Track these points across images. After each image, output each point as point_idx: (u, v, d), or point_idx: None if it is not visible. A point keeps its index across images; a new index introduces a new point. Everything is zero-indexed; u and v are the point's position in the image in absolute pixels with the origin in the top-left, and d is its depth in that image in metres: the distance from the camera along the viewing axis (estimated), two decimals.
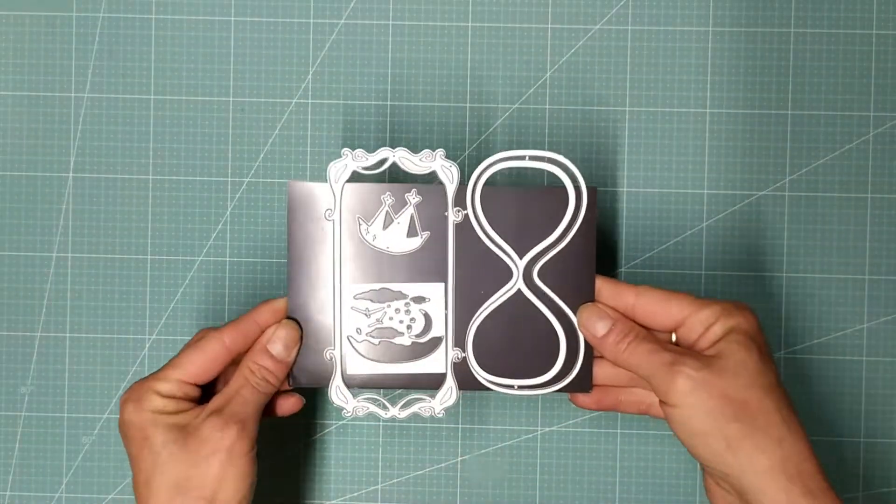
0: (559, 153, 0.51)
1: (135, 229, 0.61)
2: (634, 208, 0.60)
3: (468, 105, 0.61)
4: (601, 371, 0.52)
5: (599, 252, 0.53)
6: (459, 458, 0.61)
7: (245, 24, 0.61)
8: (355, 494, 0.61)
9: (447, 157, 0.50)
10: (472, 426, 0.61)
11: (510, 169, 0.51)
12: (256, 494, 0.51)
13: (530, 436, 0.61)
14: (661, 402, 0.48)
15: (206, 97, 0.61)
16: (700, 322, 0.48)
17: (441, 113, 0.61)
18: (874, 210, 0.60)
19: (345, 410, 0.52)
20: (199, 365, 0.50)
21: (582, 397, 0.52)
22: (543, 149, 0.60)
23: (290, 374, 0.51)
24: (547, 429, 0.61)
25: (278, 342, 0.50)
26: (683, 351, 0.47)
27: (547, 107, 0.60)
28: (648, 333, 0.49)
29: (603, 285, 0.51)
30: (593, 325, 0.49)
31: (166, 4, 0.61)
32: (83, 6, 0.61)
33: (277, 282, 0.61)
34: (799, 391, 0.60)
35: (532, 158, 0.50)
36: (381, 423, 0.60)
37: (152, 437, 0.48)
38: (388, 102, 0.61)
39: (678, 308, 0.48)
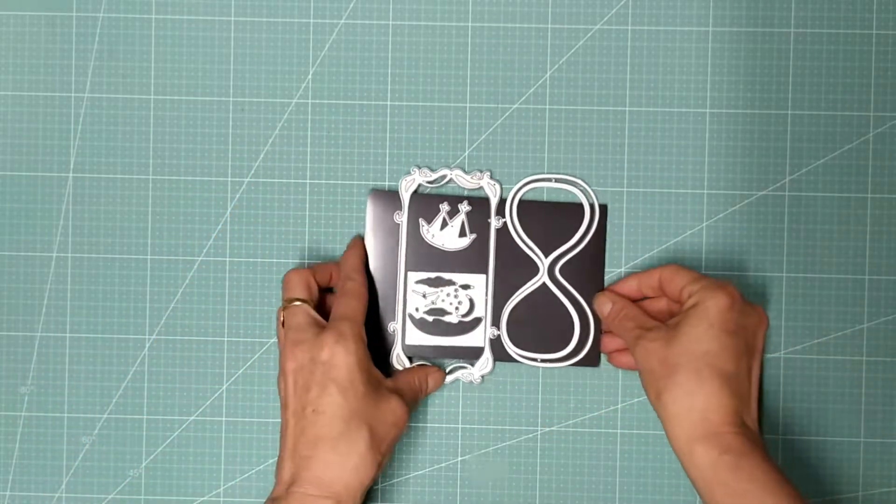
0: (574, 175, 0.61)
1: (135, 229, 0.61)
2: (634, 208, 0.60)
3: (468, 105, 0.61)
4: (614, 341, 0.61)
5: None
6: (459, 458, 0.61)
7: (245, 24, 0.61)
8: None
9: (492, 177, 0.61)
10: (472, 426, 0.61)
11: (540, 188, 0.61)
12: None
13: (530, 436, 0.61)
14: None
15: (207, 97, 0.61)
16: (686, 293, 0.56)
17: (441, 113, 0.61)
18: (874, 210, 0.60)
19: None
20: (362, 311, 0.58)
21: (618, 357, 0.60)
22: (543, 150, 0.60)
23: None
24: (547, 429, 0.61)
25: (434, 380, 0.60)
26: (654, 325, 0.57)
27: (547, 107, 0.60)
28: (638, 313, 0.58)
29: (636, 276, 0.60)
30: (601, 305, 0.60)
31: (166, 4, 0.61)
32: (83, 6, 0.61)
33: (278, 282, 0.61)
34: (799, 391, 0.60)
35: (557, 180, 0.61)
36: None
37: (355, 385, 0.54)
38: (388, 102, 0.61)
39: (681, 280, 0.57)
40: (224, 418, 0.61)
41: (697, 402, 0.52)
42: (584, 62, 0.60)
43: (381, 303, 0.61)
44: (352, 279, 0.58)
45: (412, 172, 0.61)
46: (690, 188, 0.60)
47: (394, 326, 0.61)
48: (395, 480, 0.61)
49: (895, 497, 0.60)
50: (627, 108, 0.60)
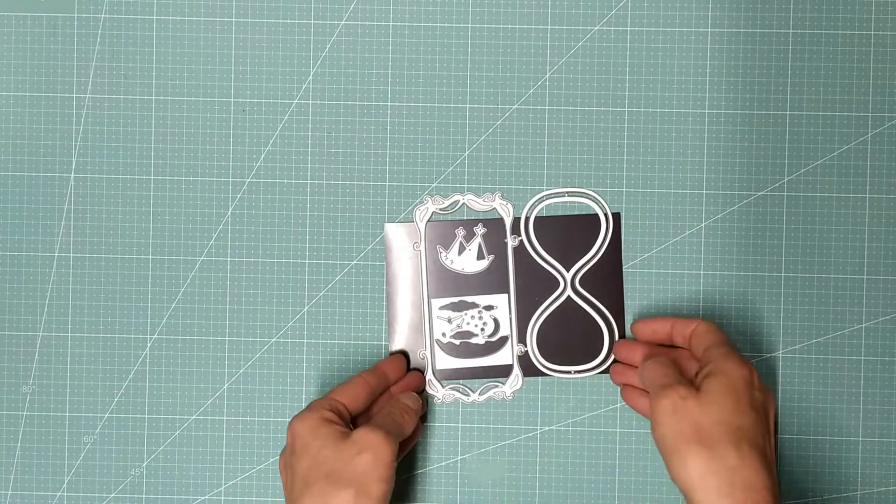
0: (584, 187, 0.61)
1: (136, 229, 0.61)
2: (634, 208, 0.61)
3: (468, 105, 0.61)
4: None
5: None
6: (459, 458, 0.61)
7: (246, 25, 0.61)
8: None
9: (503, 198, 0.61)
10: (471, 426, 0.61)
11: (553, 202, 0.61)
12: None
13: (530, 435, 0.61)
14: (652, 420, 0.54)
15: (208, 98, 0.61)
16: (708, 356, 0.54)
17: (441, 113, 0.61)
18: (872, 210, 0.60)
19: (436, 398, 0.62)
20: (349, 394, 0.57)
21: (633, 396, 0.59)
22: (543, 150, 0.61)
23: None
24: (547, 428, 0.61)
25: (410, 400, 0.58)
26: (686, 381, 0.53)
27: (547, 107, 0.61)
28: (671, 362, 0.55)
29: (671, 320, 0.59)
30: (637, 335, 0.60)
31: (168, 5, 0.61)
32: (85, 7, 0.61)
33: (279, 281, 0.61)
34: (797, 391, 0.60)
35: (570, 194, 0.61)
36: None
37: (312, 442, 0.53)
38: (389, 103, 0.61)
39: (710, 339, 0.55)
40: (225, 417, 0.61)
41: (739, 477, 0.50)
42: (584, 63, 0.60)
43: (410, 331, 0.62)
44: (365, 371, 0.58)
45: (425, 202, 0.61)
46: (689, 188, 0.60)
47: (423, 353, 0.61)
48: (396, 479, 0.61)
49: (893, 496, 0.60)
50: (627, 109, 0.60)
